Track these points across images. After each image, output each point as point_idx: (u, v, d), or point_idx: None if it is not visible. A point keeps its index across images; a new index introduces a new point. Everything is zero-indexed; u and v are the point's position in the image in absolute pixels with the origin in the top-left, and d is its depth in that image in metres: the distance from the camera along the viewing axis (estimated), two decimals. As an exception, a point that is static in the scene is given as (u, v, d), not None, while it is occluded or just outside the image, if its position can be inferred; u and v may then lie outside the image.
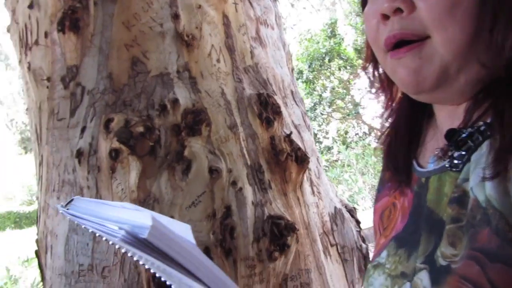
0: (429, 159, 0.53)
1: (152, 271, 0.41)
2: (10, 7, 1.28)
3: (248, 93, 1.12)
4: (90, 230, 0.43)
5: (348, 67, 10.59)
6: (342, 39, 10.80)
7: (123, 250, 0.41)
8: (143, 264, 0.40)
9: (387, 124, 0.61)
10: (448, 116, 0.51)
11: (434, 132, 0.55)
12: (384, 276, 0.53)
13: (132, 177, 0.94)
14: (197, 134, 0.99)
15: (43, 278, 1.08)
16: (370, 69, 0.59)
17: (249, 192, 1.00)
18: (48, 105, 1.09)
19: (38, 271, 1.10)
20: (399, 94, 0.59)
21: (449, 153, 0.47)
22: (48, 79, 1.10)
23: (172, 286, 0.41)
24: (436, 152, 0.51)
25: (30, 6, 1.15)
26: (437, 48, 0.46)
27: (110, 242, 0.42)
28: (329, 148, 10.34)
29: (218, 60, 1.12)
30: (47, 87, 1.10)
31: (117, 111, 0.99)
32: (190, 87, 1.05)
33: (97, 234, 0.42)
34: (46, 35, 1.11)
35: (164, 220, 0.45)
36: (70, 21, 1.06)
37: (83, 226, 0.44)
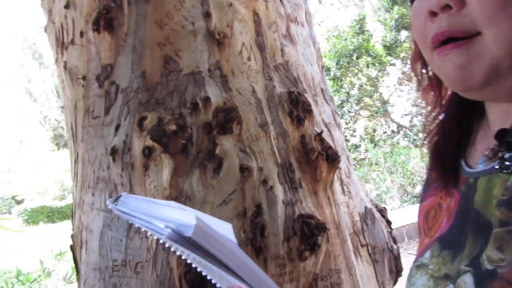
0: (478, 159, 0.51)
1: (193, 265, 0.43)
2: (47, 7, 1.32)
3: (278, 91, 1.12)
4: (136, 226, 0.46)
5: (377, 64, 10.43)
6: (371, 36, 10.63)
7: (166, 245, 0.43)
8: (186, 259, 0.43)
9: (429, 124, 0.59)
10: (500, 115, 0.49)
11: (485, 132, 0.53)
12: (426, 277, 0.52)
13: (165, 175, 0.96)
14: (228, 133, 1.00)
15: (77, 272, 1.10)
16: (418, 67, 0.58)
17: (279, 191, 1.00)
18: (83, 104, 1.12)
19: (73, 265, 1.13)
20: (448, 93, 0.57)
21: (500, 154, 0.46)
22: (84, 77, 1.12)
23: (213, 281, 0.43)
24: (486, 153, 0.49)
25: (66, 6, 1.18)
26: (488, 45, 0.44)
27: (155, 237, 0.44)
28: (356, 147, 10.22)
29: (248, 58, 1.12)
30: (83, 85, 1.12)
31: (150, 110, 1.01)
32: (221, 86, 1.05)
33: (142, 229, 0.44)
34: (81, 34, 1.14)
35: (207, 219, 0.47)
36: (105, 21, 1.08)
37: (129, 222, 0.47)
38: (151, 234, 0.46)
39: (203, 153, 0.98)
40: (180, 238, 0.43)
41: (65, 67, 1.18)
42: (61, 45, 1.22)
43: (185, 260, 0.86)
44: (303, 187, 1.04)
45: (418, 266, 0.55)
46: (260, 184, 0.99)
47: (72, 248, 1.12)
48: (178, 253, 0.43)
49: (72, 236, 1.14)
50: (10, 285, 4.97)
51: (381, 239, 1.22)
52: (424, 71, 0.57)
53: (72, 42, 1.17)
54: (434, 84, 0.57)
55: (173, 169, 0.96)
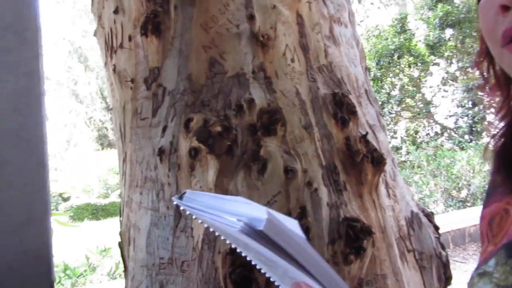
0: None
1: (253, 262, 0.44)
2: (96, 13, 1.37)
3: (322, 92, 1.11)
4: (199, 221, 0.47)
5: (419, 64, 10.14)
6: (413, 35, 10.35)
7: (227, 241, 0.43)
8: (246, 256, 0.43)
9: (495, 126, 0.57)
10: None
11: None
12: (491, 286, 0.50)
13: (210, 176, 0.97)
14: (273, 134, 1.00)
15: (125, 269, 1.14)
16: (484, 66, 0.55)
17: (324, 193, 0.99)
18: (131, 105, 1.16)
19: (116, 261, 1.17)
20: None
21: None
22: (132, 80, 1.16)
23: (271, 278, 0.44)
24: None
25: (116, 12, 1.22)
26: None
27: (216, 233, 0.45)
28: (397, 148, 9.97)
29: (292, 60, 1.12)
30: (131, 88, 1.16)
31: (196, 111, 1.03)
32: (265, 87, 1.06)
33: (205, 225, 0.46)
34: (130, 38, 1.18)
35: (276, 214, 0.48)
36: (153, 25, 1.11)
37: (193, 217, 0.49)
38: (218, 234, 0.47)
39: (248, 155, 0.99)
40: (252, 232, 0.44)
41: (114, 70, 1.23)
42: (110, 49, 1.26)
43: (231, 260, 0.88)
44: (347, 189, 1.03)
45: (480, 274, 0.52)
46: (304, 186, 0.98)
47: (120, 245, 1.16)
48: (239, 249, 0.45)
49: (120, 233, 1.17)
50: (58, 278, 5.20)
51: (428, 244, 1.18)
52: (491, 69, 0.55)
53: (121, 46, 1.21)
54: (502, 83, 0.54)
55: (218, 170, 0.97)
